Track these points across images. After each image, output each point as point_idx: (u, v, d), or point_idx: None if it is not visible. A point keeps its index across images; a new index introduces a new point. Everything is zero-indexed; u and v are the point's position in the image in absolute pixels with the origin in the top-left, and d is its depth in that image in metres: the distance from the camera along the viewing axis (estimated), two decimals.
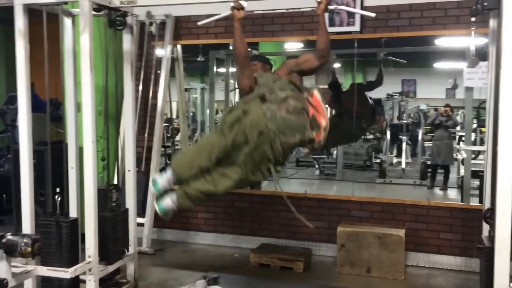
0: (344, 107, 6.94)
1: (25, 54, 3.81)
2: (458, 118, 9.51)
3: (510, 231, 3.06)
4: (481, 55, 3.89)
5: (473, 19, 3.52)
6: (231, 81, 7.80)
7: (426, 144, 9.66)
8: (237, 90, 8.27)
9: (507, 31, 3.04)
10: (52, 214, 3.81)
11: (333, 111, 7.45)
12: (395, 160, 9.61)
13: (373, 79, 7.35)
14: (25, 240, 3.08)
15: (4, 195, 6.31)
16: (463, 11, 4.68)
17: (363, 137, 8.56)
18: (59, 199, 3.82)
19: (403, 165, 9.12)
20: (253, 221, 5.53)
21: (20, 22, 3.79)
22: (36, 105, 5.41)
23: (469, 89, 5.13)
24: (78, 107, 4.14)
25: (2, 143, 7.68)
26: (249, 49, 3.97)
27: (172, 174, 3.66)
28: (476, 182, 5.34)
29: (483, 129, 7.25)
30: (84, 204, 3.79)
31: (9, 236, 3.11)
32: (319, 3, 3.72)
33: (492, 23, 3.65)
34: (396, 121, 10.03)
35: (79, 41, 3.75)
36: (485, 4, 3.35)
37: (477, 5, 3.40)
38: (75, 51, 4.16)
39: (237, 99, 8.42)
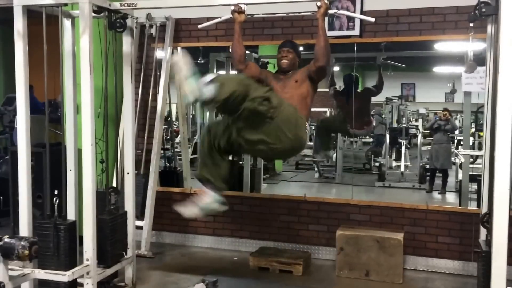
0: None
1: (24, 55, 3.81)
2: (457, 122, 9.52)
3: (507, 236, 3.07)
4: (479, 60, 3.90)
5: (471, 24, 3.54)
6: None
7: (424, 148, 9.68)
8: None
9: (504, 37, 3.06)
10: (50, 217, 3.81)
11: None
12: (394, 164, 9.62)
13: (372, 83, 7.37)
14: (22, 243, 3.07)
15: (1, 197, 6.30)
16: (461, 17, 4.69)
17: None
18: (57, 201, 3.82)
19: (402, 169, 9.13)
20: (253, 224, 5.53)
21: (19, 23, 3.80)
22: (35, 107, 5.41)
23: (467, 94, 5.13)
24: (77, 109, 4.15)
25: None
26: (248, 52, 4.01)
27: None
28: (474, 186, 5.34)
29: (481, 134, 7.25)
30: (83, 206, 3.80)
31: (6, 239, 3.10)
32: (319, 7, 3.74)
33: (490, 28, 3.67)
34: (395, 125, 10.04)
35: (79, 42, 3.76)
36: (483, 10, 3.38)
37: (475, 11, 3.43)
38: (74, 53, 4.17)
39: None
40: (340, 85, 7.37)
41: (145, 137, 5.71)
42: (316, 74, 3.89)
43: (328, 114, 9.52)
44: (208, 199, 3.81)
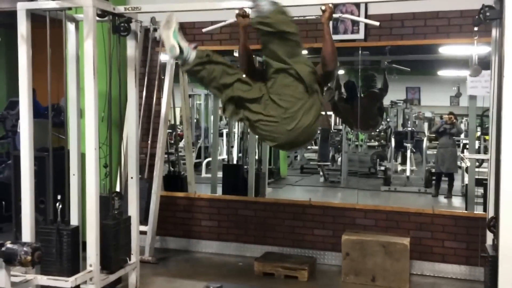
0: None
1: (27, 59, 3.82)
2: (462, 126, 9.48)
3: None
4: (484, 64, 3.89)
5: (476, 28, 3.55)
6: None
7: (430, 151, 9.64)
8: None
9: (509, 41, 3.05)
10: (52, 222, 3.80)
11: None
12: (399, 168, 9.59)
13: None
14: (24, 249, 3.05)
15: (3, 202, 6.27)
16: (466, 20, 4.68)
17: None
18: (60, 206, 3.81)
19: (408, 173, 9.10)
20: (257, 229, 5.50)
21: (22, 27, 3.80)
22: (36, 111, 5.41)
23: (472, 97, 5.11)
24: (80, 113, 4.14)
25: (2, 149, 7.64)
26: (254, 56, 3.99)
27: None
28: (480, 190, 5.30)
29: (486, 137, 7.21)
30: (86, 211, 3.78)
31: (8, 245, 3.08)
32: (323, 11, 3.71)
33: (495, 32, 3.66)
34: (400, 129, 10.02)
35: (83, 46, 3.76)
36: (488, 14, 3.38)
37: (479, 15, 3.43)
38: (78, 57, 4.16)
39: None
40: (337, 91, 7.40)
41: (149, 141, 5.71)
42: (324, 78, 3.86)
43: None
44: None
